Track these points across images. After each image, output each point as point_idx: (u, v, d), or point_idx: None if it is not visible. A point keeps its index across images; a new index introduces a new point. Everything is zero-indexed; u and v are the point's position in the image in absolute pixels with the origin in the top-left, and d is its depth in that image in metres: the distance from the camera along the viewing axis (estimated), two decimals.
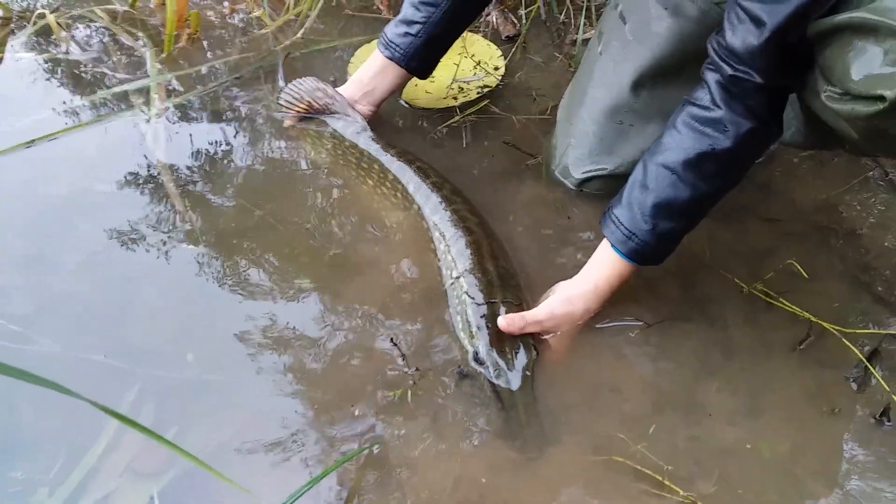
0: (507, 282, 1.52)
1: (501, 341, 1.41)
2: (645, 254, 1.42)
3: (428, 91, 2.11)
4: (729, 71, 1.31)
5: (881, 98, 1.05)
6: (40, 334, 1.44)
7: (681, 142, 1.38)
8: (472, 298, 1.47)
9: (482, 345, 1.41)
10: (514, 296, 1.50)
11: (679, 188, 1.38)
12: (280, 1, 2.42)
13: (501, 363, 1.38)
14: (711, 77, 1.36)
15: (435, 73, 1.93)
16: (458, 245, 1.57)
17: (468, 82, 2.14)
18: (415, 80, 1.95)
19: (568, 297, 1.46)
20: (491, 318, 1.44)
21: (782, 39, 1.22)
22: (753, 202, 1.81)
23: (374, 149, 1.82)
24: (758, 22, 1.23)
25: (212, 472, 0.90)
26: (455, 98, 2.09)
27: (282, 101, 1.96)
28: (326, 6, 2.41)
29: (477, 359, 1.40)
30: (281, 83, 2.08)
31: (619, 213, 1.43)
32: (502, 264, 1.56)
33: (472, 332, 1.43)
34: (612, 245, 1.44)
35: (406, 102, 2.08)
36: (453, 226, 1.61)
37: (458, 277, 1.52)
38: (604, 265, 1.47)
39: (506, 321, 1.41)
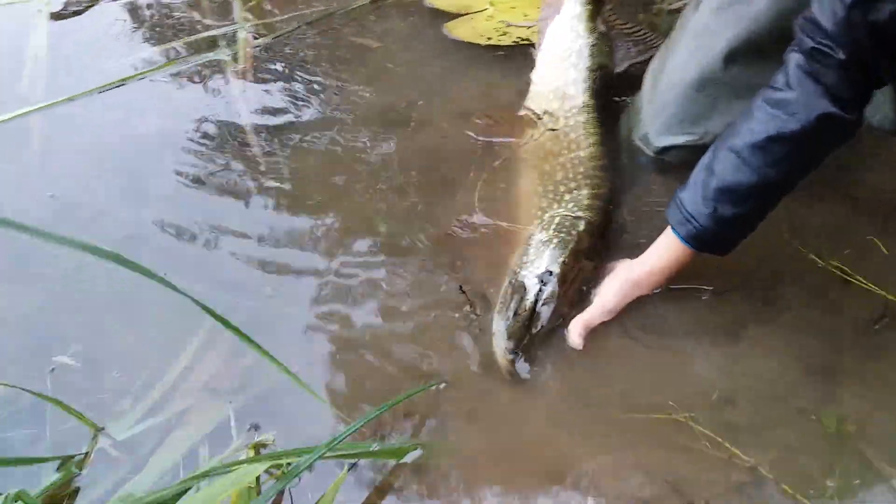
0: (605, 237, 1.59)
1: (567, 279, 1.48)
2: (704, 239, 1.40)
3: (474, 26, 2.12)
4: (810, 44, 1.27)
5: None
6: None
7: (751, 125, 1.35)
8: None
9: (557, 270, 1.46)
10: (597, 254, 1.54)
11: (743, 172, 1.35)
12: None
13: (559, 294, 1.44)
14: (791, 58, 1.32)
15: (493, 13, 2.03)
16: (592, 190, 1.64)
17: (514, 26, 2.13)
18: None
19: (632, 281, 1.47)
20: (576, 254, 1.50)
21: (868, 11, 1.19)
22: (834, 179, 1.76)
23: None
24: None
25: (298, 383, 0.95)
26: (489, 39, 2.09)
27: None
28: None
29: (543, 278, 1.45)
30: None
31: (683, 195, 1.41)
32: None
33: (556, 256, 1.48)
34: (672, 227, 1.43)
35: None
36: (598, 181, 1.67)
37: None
38: (664, 249, 1.46)
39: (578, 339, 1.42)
